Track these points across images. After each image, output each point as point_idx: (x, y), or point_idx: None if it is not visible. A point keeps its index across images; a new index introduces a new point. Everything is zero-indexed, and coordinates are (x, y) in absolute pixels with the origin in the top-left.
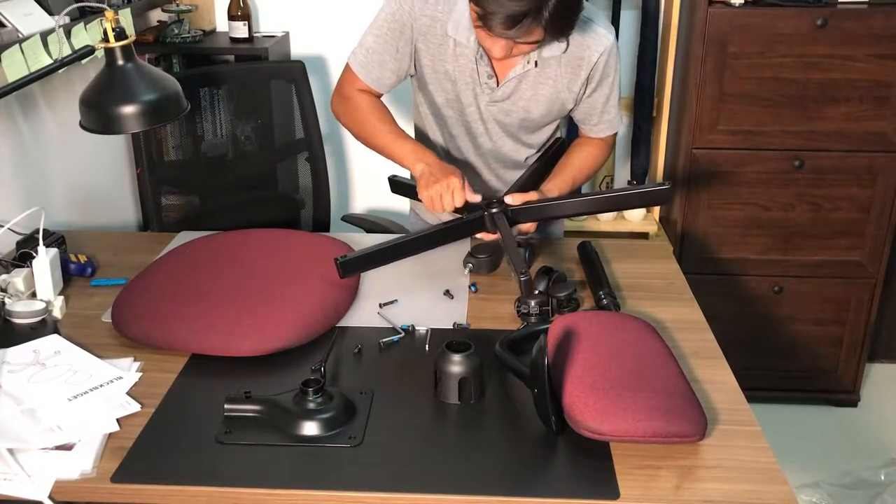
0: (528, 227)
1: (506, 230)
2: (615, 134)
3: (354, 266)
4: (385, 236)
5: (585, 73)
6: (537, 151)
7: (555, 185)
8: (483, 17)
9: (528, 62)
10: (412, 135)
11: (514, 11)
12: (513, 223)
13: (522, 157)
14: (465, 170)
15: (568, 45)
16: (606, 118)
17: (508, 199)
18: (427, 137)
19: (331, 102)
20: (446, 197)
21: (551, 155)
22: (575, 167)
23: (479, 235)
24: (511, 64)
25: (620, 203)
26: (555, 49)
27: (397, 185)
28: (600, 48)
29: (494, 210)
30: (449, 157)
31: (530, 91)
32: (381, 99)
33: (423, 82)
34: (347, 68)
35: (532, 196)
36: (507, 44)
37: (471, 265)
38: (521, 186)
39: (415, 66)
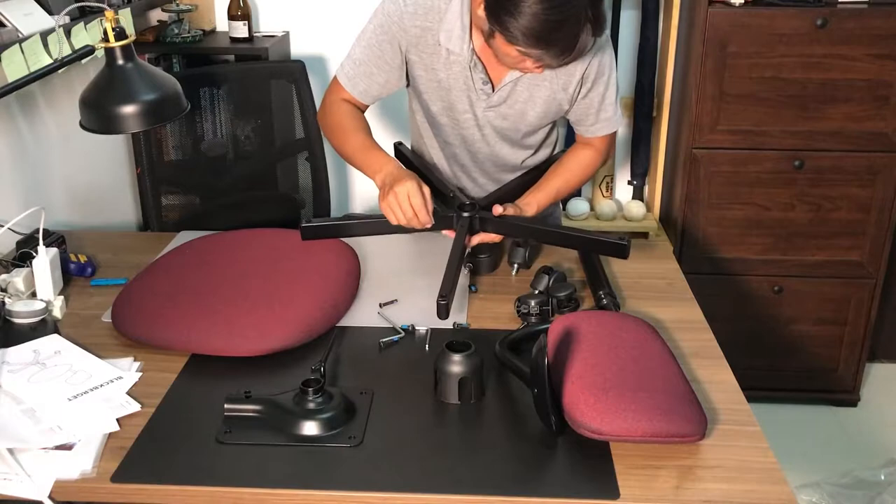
0: (492, 237)
1: (459, 237)
2: (614, 133)
3: (313, 232)
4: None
5: (580, 72)
6: (534, 153)
7: (534, 199)
8: (534, 48)
9: None
10: (409, 144)
11: (568, 43)
12: (480, 229)
13: (519, 159)
14: (463, 176)
15: None
16: (603, 117)
17: (497, 210)
18: (423, 146)
19: (318, 114)
20: (404, 205)
21: (543, 169)
22: (562, 179)
23: (444, 233)
24: (505, 69)
25: (578, 244)
26: None
27: (400, 154)
28: (593, 47)
29: (465, 214)
30: (444, 165)
31: (526, 94)
32: (367, 111)
33: (418, 91)
34: (334, 81)
35: (508, 210)
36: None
37: (470, 265)
38: (505, 194)
39: (407, 76)
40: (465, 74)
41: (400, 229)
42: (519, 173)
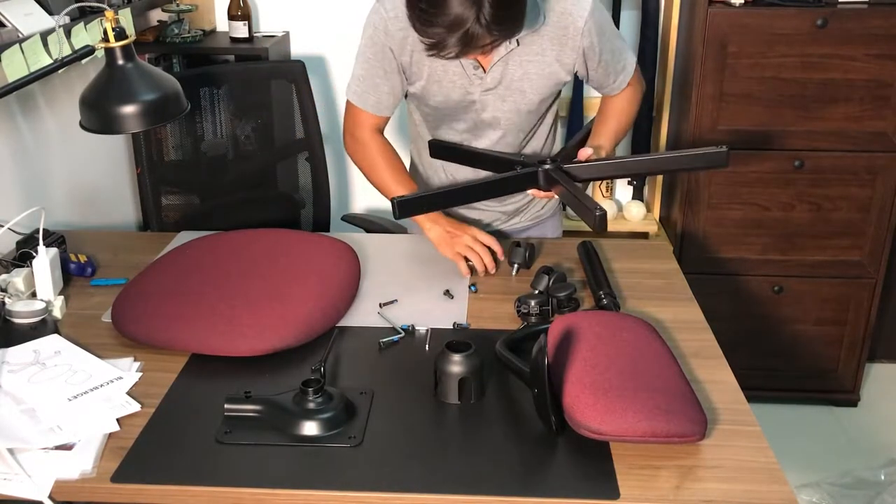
0: (549, 195)
1: (567, 181)
2: (636, 75)
3: (412, 206)
4: (385, 236)
5: (574, 42)
6: (550, 126)
7: (599, 143)
8: (433, 47)
9: (510, 42)
10: (408, 150)
11: (456, 35)
12: (562, 181)
13: (539, 135)
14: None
15: (545, 16)
16: (618, 69)
17: (583, 153)
18: (423, 148)
19: (343, 143)
20: (476, 246)
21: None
22: (615, 120)
23: (530, 192)
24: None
25: (675, 165)
26: (532, 24)
27: (438, 149)
28: (583, 13)
29: (548, 166)
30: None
31: (520, 71)
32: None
33: (413, 91)
34: (348, 105)
35: (588, 153)
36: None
37: (472, 264)
38: (569, 150)
39: (408, 79)
40: (455, 63)
41: (484, 197)
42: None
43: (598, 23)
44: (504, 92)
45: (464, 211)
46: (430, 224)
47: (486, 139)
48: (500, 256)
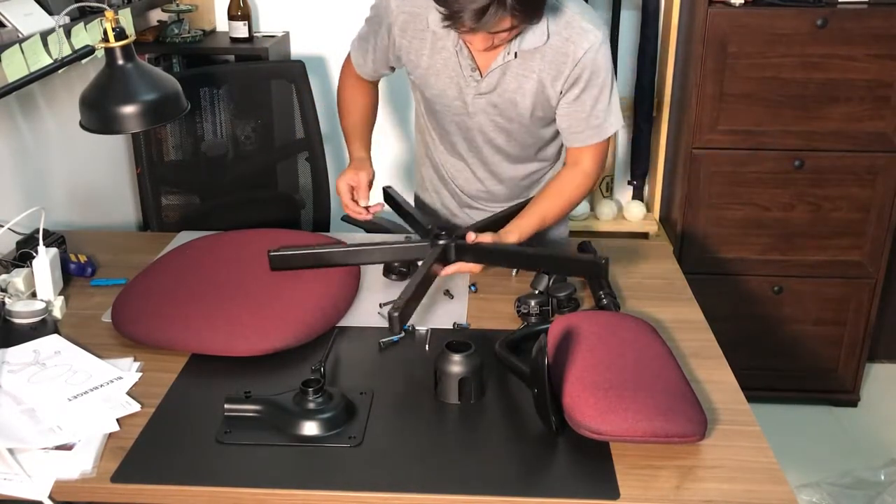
0: (469, 267)
1: (427, 263)
2: (604, 149)
3: (282, 261)
4: (385, 236)
5: (569, 69)
6: (534, 158)
7: (516, 226)
8: (449, 17)
9: (509, 53)
10: (413, 130)
11: (477, 6)
12: (458, 257)
13: (518, 155)
14: (465, 169)
15: (549, 36)
16: (593, 124)
17: (470, 237)
18: (426, 136)
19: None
20: (342, 192)
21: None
22: (548, 203)
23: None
24: (493, 55)
25: (554, 267)
26: (535, 40)
27: (388, 198)
28: (585, 45)
29: (440, 242)
30: (446, 156)
31: (514, 83)
32: (378, 89)
33: (413, 78)
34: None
35: (486, 238)
36: (484, 36)
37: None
38: (491, 223)
39: (400, 60)
40: (454, 61)
41: (368, 261)
42: (520, 176)
43: (596, 62)
44: (496, 99)
45: (468, 211)
46: (350, 154)
47: (474, 139)
48: (354, 208)
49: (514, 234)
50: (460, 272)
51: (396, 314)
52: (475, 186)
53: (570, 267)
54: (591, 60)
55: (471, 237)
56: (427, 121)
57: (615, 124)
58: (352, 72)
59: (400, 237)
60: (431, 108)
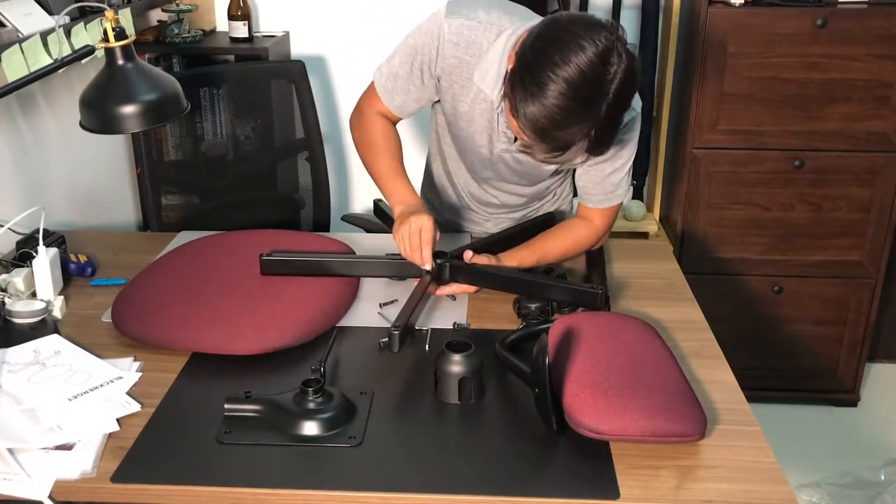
0: (464, 288)
1: (422, 283)
2: (613, 212)
3: (275, 266)
4: (386, 236)
5: None
6: (542, 196)
7: (518, 254)
8: (524, 145)
9: None
10: (427, 147)
11: (560, 146)
12: (452, 278)
13: (528, 189)
14: (472, 184)
15: None
16: (604, 190)
17: (467, 255)
18: (438, 150)
19: (350, 117)
20: (413, 237)
21: (532, 226)
22: (552, 243)
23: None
24: None
25: (550, 294)
26: None
27: (379, 211)
28: (625, 118)
29: (438, 261)
30: (459, 170)
31: None
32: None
33: (443, 110)
34: (371, 88)
35: (482, 259)
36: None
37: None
38: (492, 244)
39: (434, 97)
40: (490, 116)
41: (362, 274)
42: (533, 193)
43: (626, 140)
44: (522, 156)
45: (474, 216)
46: (397, 201)
47: (481, 172)
48: (427, 255)
49: (513, 260)
50: (455, 294)
51: (396, 332)
52: (486, 198)
53: (566, 295)
54: (620, 137)
55: (468, 256)
56: (444, 137)
57: (622, 196)
58: (377, 108)
59: (396, 255)
60: (455, 135)
